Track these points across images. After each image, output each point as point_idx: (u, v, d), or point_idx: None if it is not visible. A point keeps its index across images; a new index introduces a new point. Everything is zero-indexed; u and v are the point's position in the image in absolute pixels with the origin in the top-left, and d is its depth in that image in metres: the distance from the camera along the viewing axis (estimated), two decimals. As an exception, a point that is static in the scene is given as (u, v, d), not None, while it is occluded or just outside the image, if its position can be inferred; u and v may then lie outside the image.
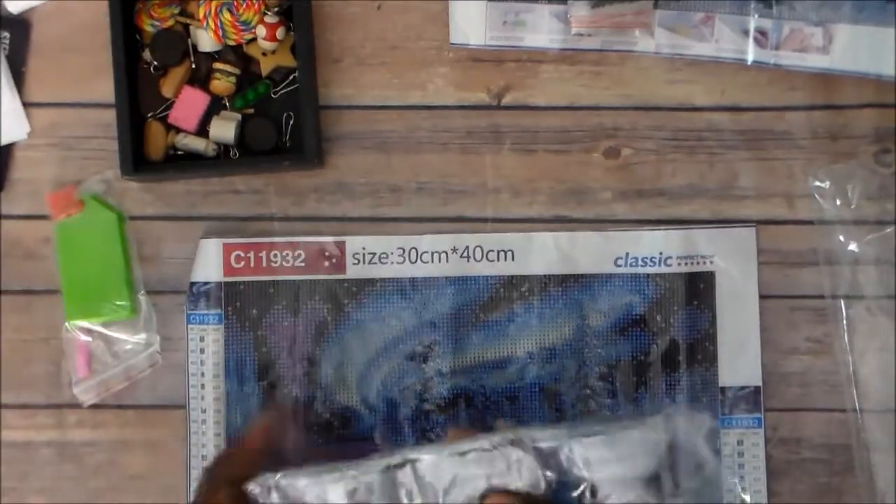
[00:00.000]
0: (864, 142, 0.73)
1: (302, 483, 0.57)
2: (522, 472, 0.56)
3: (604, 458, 0.55)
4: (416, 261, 0.73)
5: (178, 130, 0.73)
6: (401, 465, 0.57)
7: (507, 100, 0.74)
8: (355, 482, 0.56)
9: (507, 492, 0.55)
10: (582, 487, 0.56)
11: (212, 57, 0.73)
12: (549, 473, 0.56)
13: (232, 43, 0.73)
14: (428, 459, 0.56)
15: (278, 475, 0.57)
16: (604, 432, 0.56)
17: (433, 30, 0.74)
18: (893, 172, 0.73)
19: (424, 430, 0.73)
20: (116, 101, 0.71)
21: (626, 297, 0.73)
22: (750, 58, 0.72)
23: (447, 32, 0.74)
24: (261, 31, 0.72)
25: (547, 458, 0.56)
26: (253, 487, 0.58)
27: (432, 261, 0.73)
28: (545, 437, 0.56)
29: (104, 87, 0.73)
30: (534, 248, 0.73)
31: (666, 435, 0.56)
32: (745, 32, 0.71)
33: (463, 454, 0.56)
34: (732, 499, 0.72)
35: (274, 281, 0.73)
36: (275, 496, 0.57)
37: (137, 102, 0.73)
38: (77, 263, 0.73)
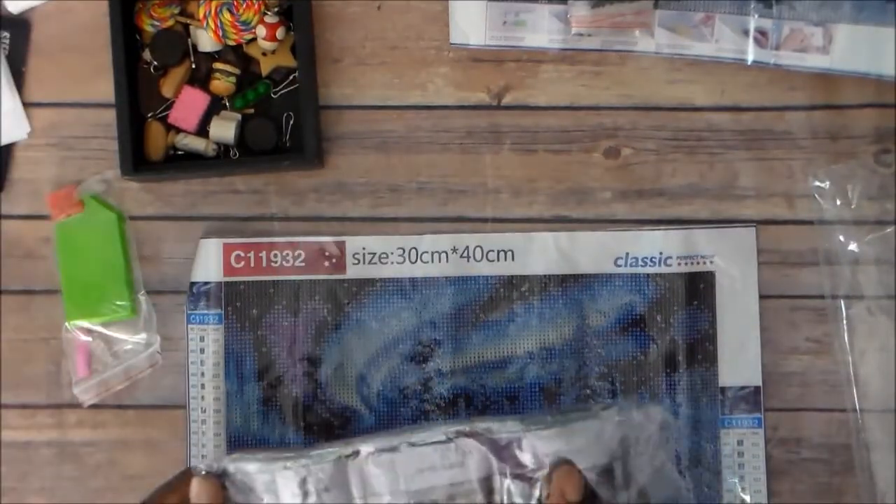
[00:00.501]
0: (864, 142, 0.73)
1: (252, 468, 0.57)
2: (476, 464, 0.56)
3: (558, 450, 0.56)
4: (416, 261, 0.73)
5: (178, 130, 0.73)
6: (353, 456, 0.56)
7: (507, 100, 0.74)
8: (306, 471, 0.56)
9: (575, 467, 0.55)
10: (537, 478, 0.56)
11: (212, 57, 0.73)
12: (503, 465, 0.56)
13: (232, 43, 0.72)
14: (380, 450, 0.56)
15: (228, 458, 0.57)
16: (558, 424, 0.56)
17: (433, 30, 0.74)
18: (893, 172, 0.73)
19: (424, 430, 0.73)
20: (116, 101, 0.71)
21: (626, 297, 0.73)
22: (750, 58, 0.71)
23: (447, 32, 0.74)
24: (261, 31, 0.72)
25: (502, 451, 0.56)
26: (201, 468, 0.57)
27: (432, 261, 0.73)
28: (500, 430, 0.56)
29: (104, 87, 0.73)
30: (534, 248, 0.73)
31: (619, 427, 0.57)
32: (745, 32, 0.71)
33: (416, 445, 0.56)
34: (732, 499, 0.72)
35: (274, 281, 0.73)
36: (224, 480, 0.57)
37: (137, 102, 0.73)
38: (77, 263, 0.72)
